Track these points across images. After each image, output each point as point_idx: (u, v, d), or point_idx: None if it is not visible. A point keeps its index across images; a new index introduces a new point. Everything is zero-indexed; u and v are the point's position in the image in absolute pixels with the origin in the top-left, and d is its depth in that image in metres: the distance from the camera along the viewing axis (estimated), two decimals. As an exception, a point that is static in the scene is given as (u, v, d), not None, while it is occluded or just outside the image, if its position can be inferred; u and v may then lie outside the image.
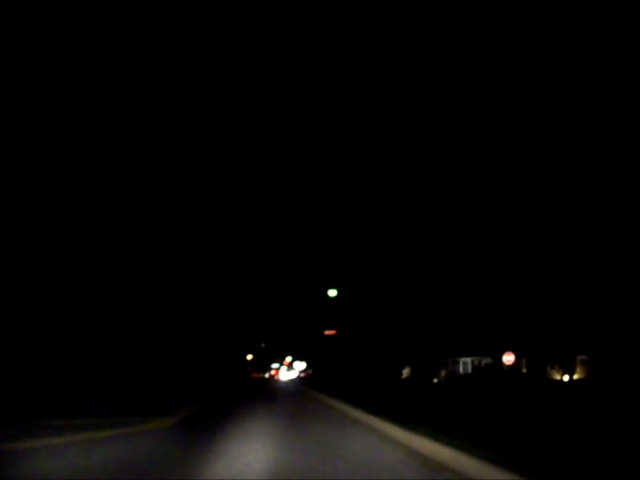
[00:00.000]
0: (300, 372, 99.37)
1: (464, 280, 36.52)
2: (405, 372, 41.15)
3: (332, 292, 29.35)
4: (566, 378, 34.96)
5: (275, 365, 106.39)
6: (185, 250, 40.45)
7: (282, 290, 60.90)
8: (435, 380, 37.18)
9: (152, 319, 38.26)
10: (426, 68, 29.10)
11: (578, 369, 35.14)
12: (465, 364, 37.67)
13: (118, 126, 30.98)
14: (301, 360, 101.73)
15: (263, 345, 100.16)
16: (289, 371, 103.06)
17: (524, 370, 36.04)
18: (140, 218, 34.67)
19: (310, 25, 25.86)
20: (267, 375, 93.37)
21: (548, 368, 35.85)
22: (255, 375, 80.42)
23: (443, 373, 38.11)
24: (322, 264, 41.44)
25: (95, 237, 31.86)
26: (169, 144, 34.07)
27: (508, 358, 26.44)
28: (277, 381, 70.41)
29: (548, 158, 31.49)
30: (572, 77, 27.59)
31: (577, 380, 34.30)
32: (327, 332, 31.04)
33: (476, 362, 37.17)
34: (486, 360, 36.68)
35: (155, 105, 31.52)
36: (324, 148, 40.32)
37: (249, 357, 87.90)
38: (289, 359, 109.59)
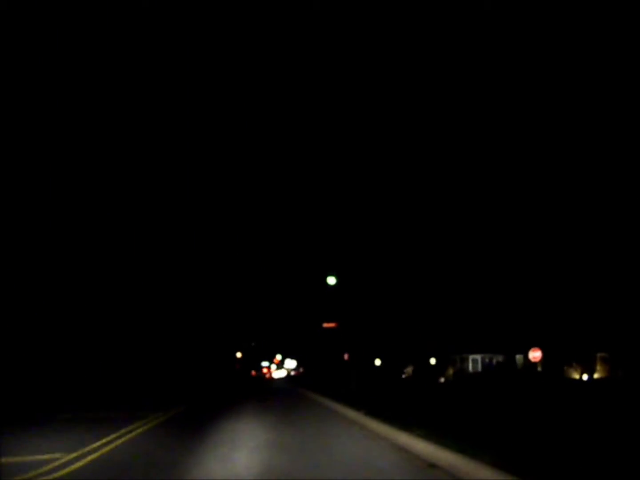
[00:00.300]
0: (291, 370, 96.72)
1: (475, 271, 33.63)
2: (410, 371, 38.08)
3: (332, 280, 26.16)
4: (585, 377, 32.15)
5: (265, 364, 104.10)
6: (175, 247, 40.55)
7: (274, 283, 57.76)
8: (443, 380, 34.09)
9: (142, 317, 37.61)
10: (426, 67, 29.25)
11: (598, 367, 32.30)
12: (475, 361, 34.68)
13: (118, 126, 31.44)
14: (291, 358, 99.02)
15: (253, 344, 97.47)
16: (278, 370, 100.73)
17: (539, 369, 33.13)
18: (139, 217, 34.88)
19: (310, 25, 26.03)
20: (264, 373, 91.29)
21: (565, 366, 32.97)
22: (254, 373, 79.90)
23: (451, 371, 35.04)
24: (319, 251, 38.45)
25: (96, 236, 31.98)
26: (169, 143, 34.86)
27: (534, 354, 23.46)
28: (270, 381, 67.01)
29: (558, 149, 30.32)
30: (572, 77, 27.31)
31: (597, 379, 31.57)
32: (326, 325, 27.90)
33: (487, 360, 34.21)
34: (498, 358, 33.75)
35: (156, 105, 32.27)
36: (322, 131, 37.68)
37: (239, 355, 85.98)
38: (279, 357, 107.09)
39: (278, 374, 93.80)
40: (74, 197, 30.48)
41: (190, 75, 34.33)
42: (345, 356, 29.81)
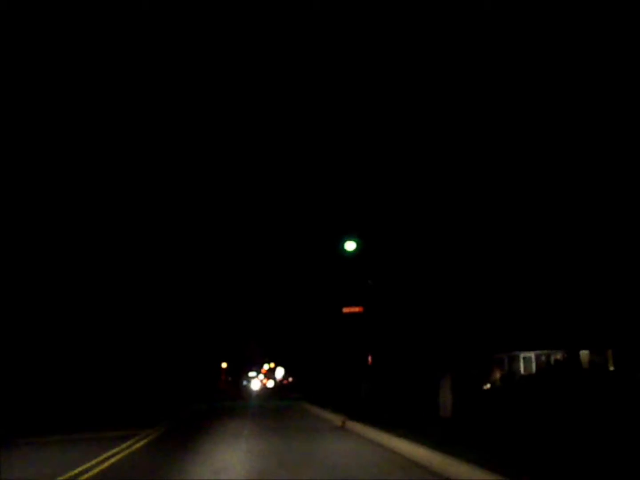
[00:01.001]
0: (279, 380, 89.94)
1: (528, 250, 26.76)
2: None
3: (351, 245, 19.24)
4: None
5: (252, 374, 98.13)
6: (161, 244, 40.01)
7: (263, 271, 50.80)
8: (489, 386, 26.70)
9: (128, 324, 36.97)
10: (427, 65, 28.60)
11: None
12: (527, 360, 27.53)
13: (118, 126, 31.94)
14: (280, 366, 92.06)
15: (239, 352, 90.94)
16: (267, 380, 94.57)
17: (611, 368, 26.19)
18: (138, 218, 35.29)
19: (310, 25, 26.54)
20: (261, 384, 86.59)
21: None
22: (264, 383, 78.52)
23: (498, 375, 27.71)
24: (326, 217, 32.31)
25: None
26: (169, 144, 35.10)
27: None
28: (259, 394, 59.75)
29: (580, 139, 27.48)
30: (572, 77, 26.60)
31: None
32: (347, 310, 20.93)
33: (543, 358, 27.05)
34: (557, 355, 26.66)
35: (155, 105, 32.64)
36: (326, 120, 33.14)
37: (224, 365, 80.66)
38: (266, 366, 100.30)
39: (257, 385, 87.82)
40: (74, 197, 30.83)
41: (189, 75, 33.88)
42: (369, 359, 22.48)
